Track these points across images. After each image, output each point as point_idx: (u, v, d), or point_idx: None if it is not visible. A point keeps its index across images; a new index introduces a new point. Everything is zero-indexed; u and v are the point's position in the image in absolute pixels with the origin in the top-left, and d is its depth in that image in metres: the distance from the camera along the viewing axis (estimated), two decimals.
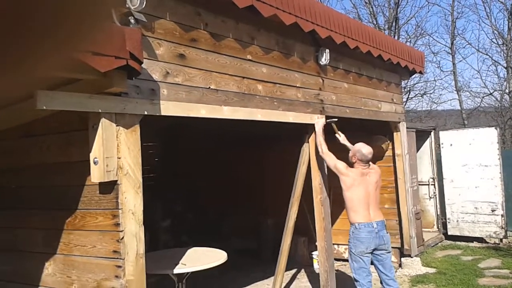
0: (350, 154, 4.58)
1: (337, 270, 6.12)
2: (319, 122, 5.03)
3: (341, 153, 4.80)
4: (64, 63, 0.42)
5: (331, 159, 4.66)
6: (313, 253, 7.06)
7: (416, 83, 19.29)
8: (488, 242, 8.46)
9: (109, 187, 2.96)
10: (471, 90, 20.56)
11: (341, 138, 5.10)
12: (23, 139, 3.64)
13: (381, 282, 4.46)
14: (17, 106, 2.82)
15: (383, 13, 19.86)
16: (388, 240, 4.39)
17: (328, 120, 5.22)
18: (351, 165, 4.54)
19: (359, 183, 4.37)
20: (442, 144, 8.94)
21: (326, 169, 5.13)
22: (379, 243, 4.29)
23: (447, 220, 8.86)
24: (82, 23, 0.39)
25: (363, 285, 4.28)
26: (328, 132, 5.16)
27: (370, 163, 4.55)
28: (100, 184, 2.96)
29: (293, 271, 6.96)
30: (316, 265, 6.80)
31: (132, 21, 2.97)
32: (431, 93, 20.12)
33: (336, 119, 5.23)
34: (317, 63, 5.20)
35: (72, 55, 0.43)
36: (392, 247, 6.47)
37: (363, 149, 4.45)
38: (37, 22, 0.37)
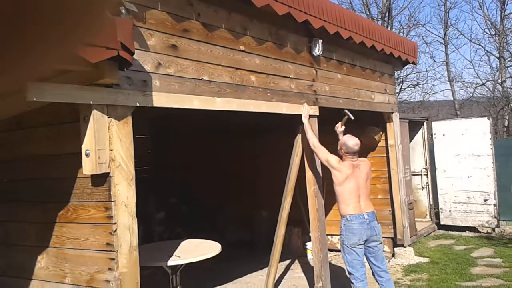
0: (338, 147, 4.54)
1: (330, 261, 6.14)
2: (305, 114, 4.91)
3: (332, 145, 4.77)
4: (64, 57, 0.42)
5: (323, 153, 4.56)
6: (306, 244, 7.09)
7: (409, 74, 19.34)
8: (480, 232, 8.53)
9: (101, 180, 2.94)
10: (463, 81, 20.61)
11: (340, 129, 4.98)
12: (14, 132, 3.60)
13: (373, 274, 4.47)
14: (8, 98, 2.78)
15: (376, 3, 19.84)
16: (380, 231, 4.38)
17: (345, 110, 5.15)
18: (341, 157, 4.49)
19: (351, 177, 4.33)
20: (434, 134, 8.97)
21: (319, 160, 5.12)
22: (371, 234, 4.28)
23: (440, 210, 8.92)
24: (83, 18, 0.38)
25: (357, 278, 4.26)
26: (324, 123, 5.16)
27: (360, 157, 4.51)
28: (92, 176, 2.93)
29: (287, 262, 6.98)
30: (309, 256, 6.82)
31: (123, 11, 2.93)
32: (423, 84, 20.20)
33: (353, 118, 5.13)
34: (311, 53, 5.18)
35: (73, 49, 0.42)
36: (385, 237, 6.52)
37: (349, 141, 4.38)
38: (37, 17, 0.36)
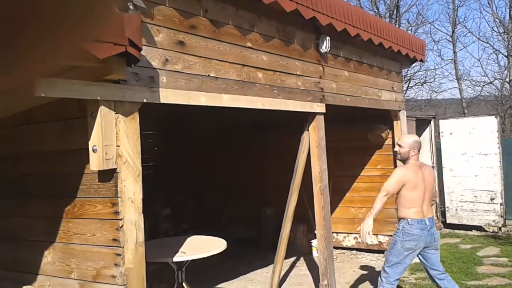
0: (405, 150, 4.12)
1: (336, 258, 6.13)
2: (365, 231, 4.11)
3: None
4: (71, 53, 0.41)
5: (392, 189, 4.08)
6: (312, 241, 7.08)
7: (416, 72, 19.27)
8: (487, 231, 8.49)
9: (108, 175, 2.95)
10: (471, 79, 20.46)
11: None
12: (22, 127, 3.62)
13: (433, 280, 4.27)
14: (16, 94, 2.79)
15: (384, 0, 19.75)
16: (438, 237, 4.16)
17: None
18: (404, 162, 4.17)
19: (421, 181, 4.07)
20: (442, 132, 8.93)
21: (326, 158, 5.12)
22: (430, 241, 4.05)
23: (446, 209, 8.88)
24: (88, 12, 0.38)
25: (389, 280, 4.03)
26: (330, 122, 5.14)
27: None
28: (99, 172, 2.94)
29: (292, 259, 6.98)
30: (315, 253, 6.82)
31: (131, 7, 2.93)
32: (431, 82, 20.09)
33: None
34: (318, 50, 5.16)
35: (79, 45, 0.42)
36: (392, 235, 6.49)
37: (407, 139, 4.17)
38: (42, 12, 0.35)
